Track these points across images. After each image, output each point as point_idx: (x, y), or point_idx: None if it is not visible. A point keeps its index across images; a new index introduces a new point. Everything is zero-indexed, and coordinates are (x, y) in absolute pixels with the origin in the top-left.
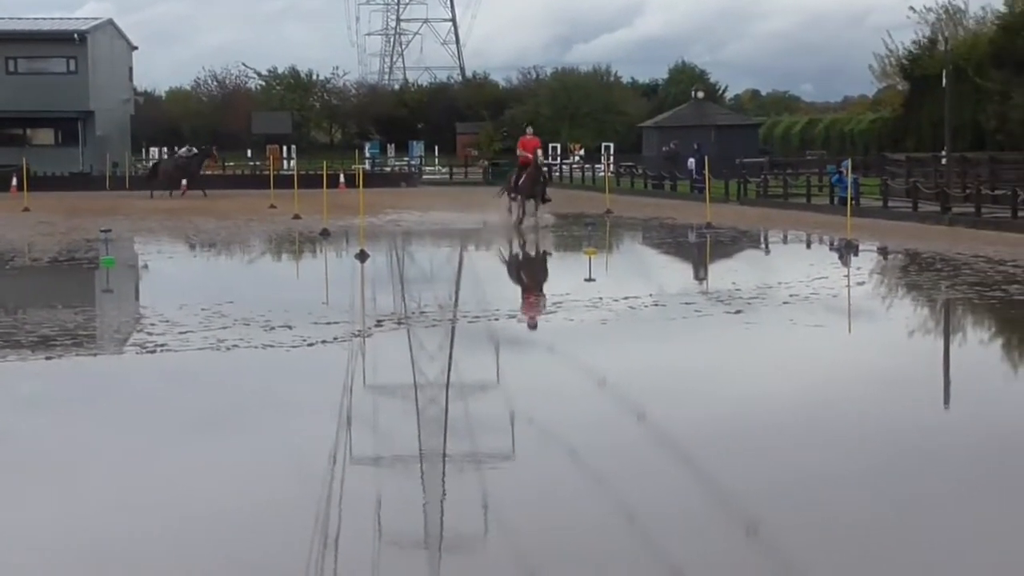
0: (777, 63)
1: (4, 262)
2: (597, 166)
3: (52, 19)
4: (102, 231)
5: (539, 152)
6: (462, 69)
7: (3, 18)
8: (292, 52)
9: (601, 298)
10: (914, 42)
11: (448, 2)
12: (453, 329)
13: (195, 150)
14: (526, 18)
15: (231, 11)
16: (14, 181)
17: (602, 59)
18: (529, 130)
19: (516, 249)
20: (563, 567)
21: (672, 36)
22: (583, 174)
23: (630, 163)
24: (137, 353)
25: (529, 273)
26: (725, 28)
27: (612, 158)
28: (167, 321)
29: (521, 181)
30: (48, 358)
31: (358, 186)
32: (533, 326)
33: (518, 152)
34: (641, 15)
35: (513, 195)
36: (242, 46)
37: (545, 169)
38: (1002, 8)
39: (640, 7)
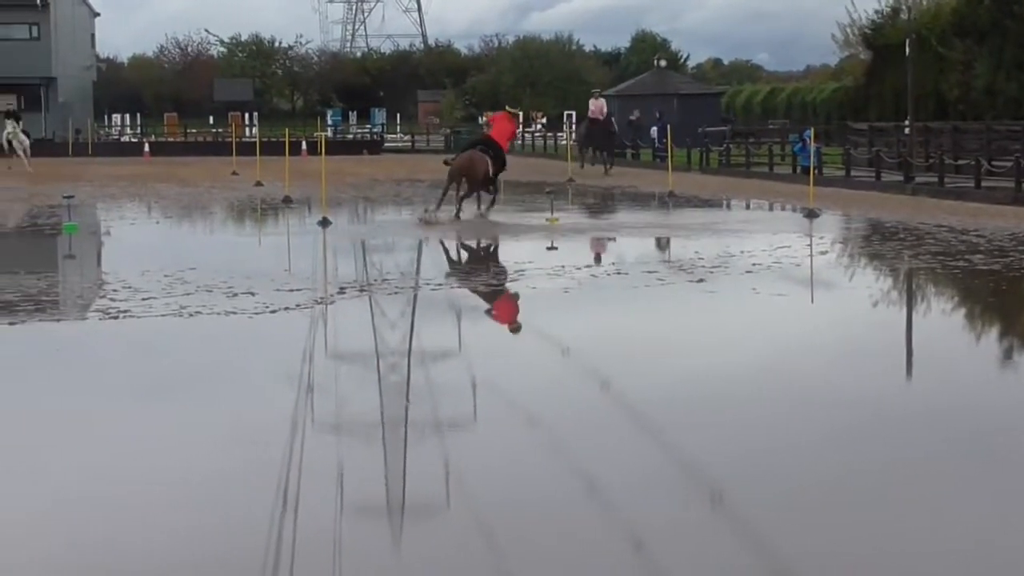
0: (733, 32)
1: None
2: (559, 134)
3: None
4: (65, 197)
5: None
6: (424, 37)
7: None
8: (254, 19)
9: (563, 266)
10: (876, 11)
11: None
12: (415, 296)
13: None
14: None
15: None
16: None
17: (559, 27)
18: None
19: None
20: (526, 535)
21: (629, 5)
22: (545, 142)
23: None
24: (100, 319)
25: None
26: None
27: (574, 126)
28: (130, 287)
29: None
30: (11, 323)
31: (320, 153)
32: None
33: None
34: None
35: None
36: (204, 13)
37: None
38: None
39: None
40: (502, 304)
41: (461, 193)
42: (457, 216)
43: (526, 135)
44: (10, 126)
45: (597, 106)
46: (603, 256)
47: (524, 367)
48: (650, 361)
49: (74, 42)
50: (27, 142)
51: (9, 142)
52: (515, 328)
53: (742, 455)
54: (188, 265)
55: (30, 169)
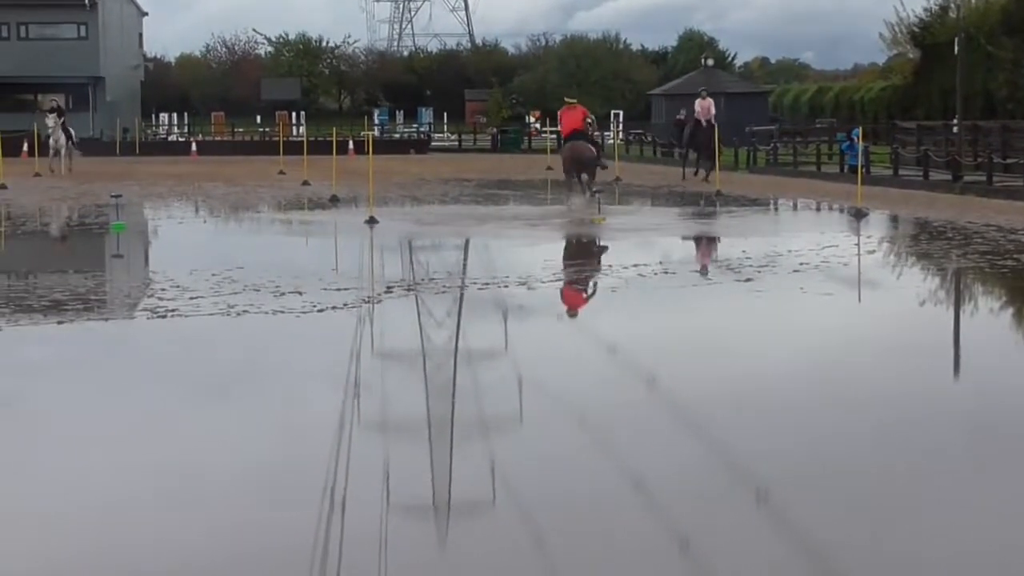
0: (778, 31)
1: (16, 227)
2: (606, 133)
3: None
4: (112, 196)
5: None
6: (471, 36)
7: None
8: (301, 18)
9: (611, 265)
10: (925, 9)
11: None
12: (462, 296)
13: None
14: None
15: None
16: (25, 147)
17: (605, 26)
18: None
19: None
20: (572, 534)
21: (675, 4)
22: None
23: (639, 131)
24: (148, 318)
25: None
26: None
27: (621, 125)
28: (178, 286)
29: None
30: (60, 323)
31: (367, 152)
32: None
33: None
34: None
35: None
36: (251, 12)
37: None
38: None
39: None
40: (549, 303)
41: (583, 178)
42: (593, 194)
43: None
44: (51, 121)
45: (704, 106)
46: (649, 255)
47: (571, 366)
48: (697, 360)
49: (122, 41)
50: (63, 142)
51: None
52: (562, 327)
53: (789, 454)
54: (236, 264)
55: (51, 170)
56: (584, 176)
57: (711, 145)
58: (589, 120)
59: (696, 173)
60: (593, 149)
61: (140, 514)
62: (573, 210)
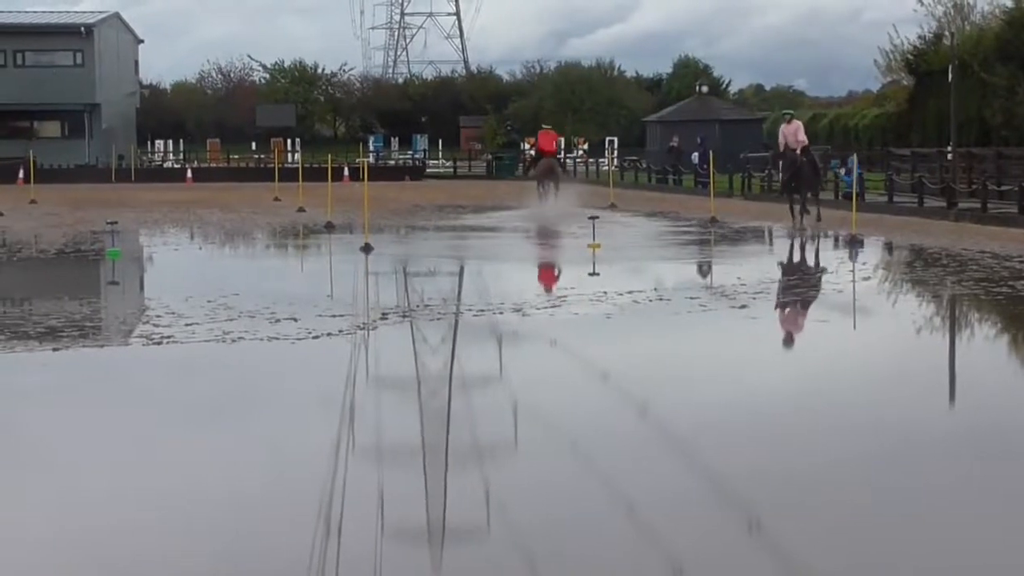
0: (771, 58)
1: (11, 253)
2: (601, 160)
3: (59, 12)
4: (108, 223)
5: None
6: (466, 63)
7: (10, 11)
8: (295, 45)
9: (605, 292)
10: (919, 37)
11: None
12: (457, 323)
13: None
14: (521, 12)
15: (235, 4)
16: (21, 173)
17: (597, 54)
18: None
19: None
20: (566, 561)
21: (667, 31)
22: (587, 168)
23: (634, 157)
24: (143, 345)
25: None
26: (719, 23)
27: (616, 152)
28: (173, 313)
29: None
30: (55, 349)
31: (363, 179)
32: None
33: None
34: (637, 10)
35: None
36: (246, 39)
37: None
38: (1008, 3)
39: (636, 2)
40: (543, 330)
41: (551, 186)
42: (548, 197)
43: (568, 160)
44: None
45: (791, 131)
46: (644, 282)
47: (566, 393)
48: (692, 387)
49: (118, 69)
50: None
51: None
52: (556, 354)
53: (781, 480)
54: (231, 291)
55: None
56: (551, 183)
57: (812, 178)
58: (559, 144)
59: (805, 215)
60: (559, 165)
61: (136, 539)
62: (548, 215)
